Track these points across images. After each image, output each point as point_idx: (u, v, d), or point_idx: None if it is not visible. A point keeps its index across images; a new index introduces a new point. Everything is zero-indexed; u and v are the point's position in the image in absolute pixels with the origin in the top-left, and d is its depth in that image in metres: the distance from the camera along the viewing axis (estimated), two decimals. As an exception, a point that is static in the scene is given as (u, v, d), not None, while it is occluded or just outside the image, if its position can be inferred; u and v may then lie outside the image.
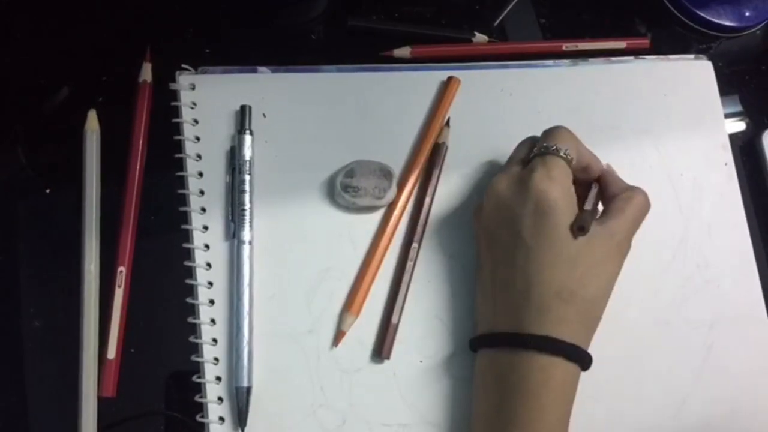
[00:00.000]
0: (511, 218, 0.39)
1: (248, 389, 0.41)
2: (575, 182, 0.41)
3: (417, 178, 0.46)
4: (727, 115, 0.53)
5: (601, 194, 0.43)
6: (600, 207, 0.43)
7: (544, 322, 0.37)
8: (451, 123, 0.48)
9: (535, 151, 0.41)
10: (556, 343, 0.37)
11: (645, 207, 0.42)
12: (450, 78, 0.48)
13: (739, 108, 0.55)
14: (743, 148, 0.53)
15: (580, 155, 0.41)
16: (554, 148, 0.40)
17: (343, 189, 0.44)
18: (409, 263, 0.44)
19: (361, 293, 0.43)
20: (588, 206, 0.41)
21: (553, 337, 0.37)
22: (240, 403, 0.40)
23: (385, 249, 0.44)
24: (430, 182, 0.46)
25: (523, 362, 0.37)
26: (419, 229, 0.45)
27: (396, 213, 0.45)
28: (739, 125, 0.54)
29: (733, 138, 0.53)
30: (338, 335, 0.43)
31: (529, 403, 0.37)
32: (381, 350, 0.43)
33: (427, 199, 0.45)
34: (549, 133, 0.42)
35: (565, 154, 0.40)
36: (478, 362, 0.41)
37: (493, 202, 0.41)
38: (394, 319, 0.43)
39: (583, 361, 0.38)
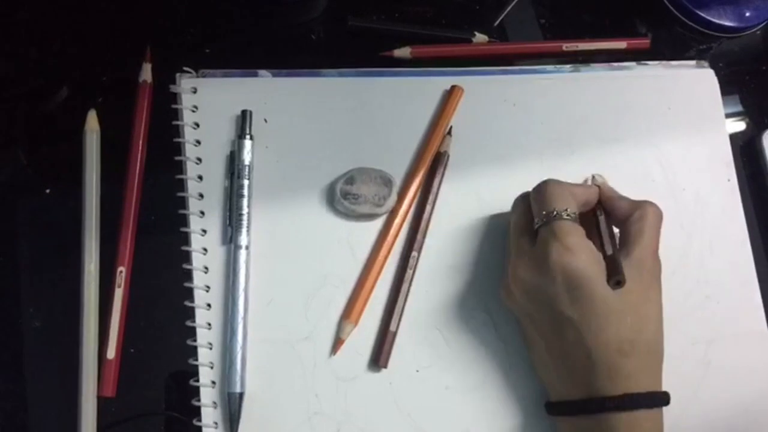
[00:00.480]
0: (547, 300, 0.39)
1: (240, 395, 0.41)
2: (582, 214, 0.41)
3: (418, 187, 0.46)
4: (727, 116, 0.53)
5: (610, 219, 0.43)
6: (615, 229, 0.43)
7: (615, 382, 0.38)
8: (454, 129, 0.48)
9: (537, 222, 0.40)
10: (633, 398, 0.37)
11: (659, 219, 0.41)
12: (453, 87, 0.48)
13: (739, 108, 0.55)
14: (743, 148, 0.53)
15: (577, 200, 0.41)
16: (555, 213, 0.39)
17: (343, 196, 0.44)
18: (408, 272, 0.44)
19: (360, 302, 0.43)
20: (609, 250, 0.40)
21: (629, 393, 0.37)
22: (232, 408, 0.40)
23: (385, 258, 0.44)
24: (431, 191, 0.46)
25: (608, 425, 0.37)
26: (419, 237, 0.45)
27: (396, 221, 0.45)
28: (739, 125, 0.54)
29: (733, 138, 0.52)
30: (337, 343, 0.43)
31: None
32: (378, 359, 0.43)
33: (428, 208, 0.45)
34: (541, 195, 0.41)
35: (568, 215, 0.39)
36: (559, 427, 0.41)
37: (521, 290, 0.41)
38: (392, 328, 0.43)
39: (663, 402, 0.39)
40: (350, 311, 0.43)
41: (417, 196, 0.46)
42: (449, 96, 0.48)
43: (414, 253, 0.44)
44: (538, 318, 0.40)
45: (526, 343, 0.43)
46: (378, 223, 0.45)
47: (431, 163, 0.46)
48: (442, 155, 0.46)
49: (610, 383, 0.38)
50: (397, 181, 0.46)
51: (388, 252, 0.45)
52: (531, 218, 0.41)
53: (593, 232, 0.42)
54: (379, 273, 0.44)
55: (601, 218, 0.42)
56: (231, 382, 0.41)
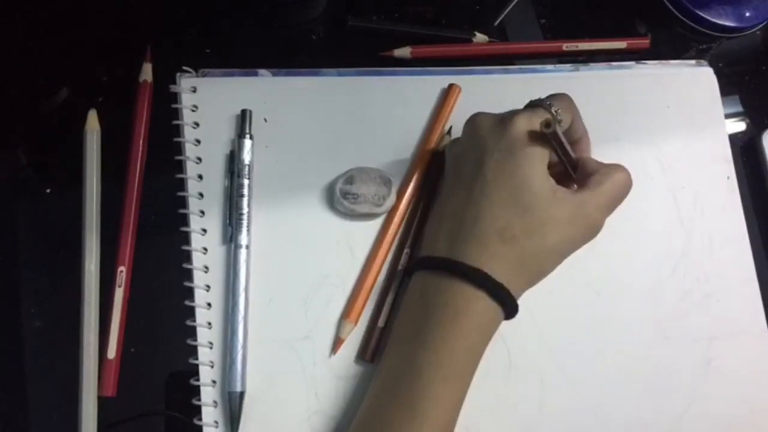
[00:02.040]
0: (481, 149, 0.39)
1: (241, 394, 0.41)
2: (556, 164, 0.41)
3: (416, 187, 0.46)
4: (727, 116, 0.53)
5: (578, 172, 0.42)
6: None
7: (479, 255, 0.38)
8: (452, 130, 0.48)
9: (529, 102, 0.41)
10: (483, 277, 0.37)
11: (625, 184, 0.41)
12: (451, 85, 0.48)
13: (739, 108, 0.55)
14: (743, 148, 0.53)
15: (574, 126, 0.42)
16: (548, 103, 0.40)
17: (343, 196, 0.44)
18: (400, 269, 0.44)
19: (359, 301, 0.43)
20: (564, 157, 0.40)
21: (482, 271, 0.37)
22: (232, 407, 0.40)
23: (384, 257, 0.44)
24: (425, 189, 0.46)
25: (449, 288, 0.37)
26: (413, 233, 0.45)
27: (395, 221, 0.45)
28: (739, 125, 0.54)
29: (733, 138, 0.53)
30: (337, 343, 0.43)
31: (445, 327, 0.37)
32: (365, 353, 0.42)
33: (421, 205, 0.45)
34: (553, 94, 0.42)
35: (555, 111, 0.39)
36: (411, 284, 0.41)
37: (469, 130, 0.41)
38: (380, 323, 0.43)
39: (506, 304, 0.38)
40: (350, 311, 0.43)
41: (416, 195, 0.46)
42: (447, 95, 0.48)
43: (406, 250, 0.44)
44: (463, 165, 0.40)
45: (439, 195, 0.43)
46: (377, 223, 0.45)
47: (430, 162, 0.46)
48: (441, 154, 0.46)
49: (474, 254, 0.37)
50: (397, 181, 0.46)
51: (387, 251, 0.44)
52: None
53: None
54: (378, 272, 0.44)
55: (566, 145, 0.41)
56: (232, 381, 0.41)
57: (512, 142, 0.38)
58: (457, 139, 0.43)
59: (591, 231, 0.40)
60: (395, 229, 0.45)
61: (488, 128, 0.40)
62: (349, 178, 0.45)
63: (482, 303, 0.37)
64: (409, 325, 0.39)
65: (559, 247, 0.39)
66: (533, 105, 0.41)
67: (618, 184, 0.40)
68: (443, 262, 0.39)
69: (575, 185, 0.42)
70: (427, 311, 0.38)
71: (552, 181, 0.39)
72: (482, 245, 0.38)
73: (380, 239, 0.45)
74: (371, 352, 0.43)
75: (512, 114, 0.39)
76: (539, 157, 0.38)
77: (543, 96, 0.41)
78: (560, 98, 0.41)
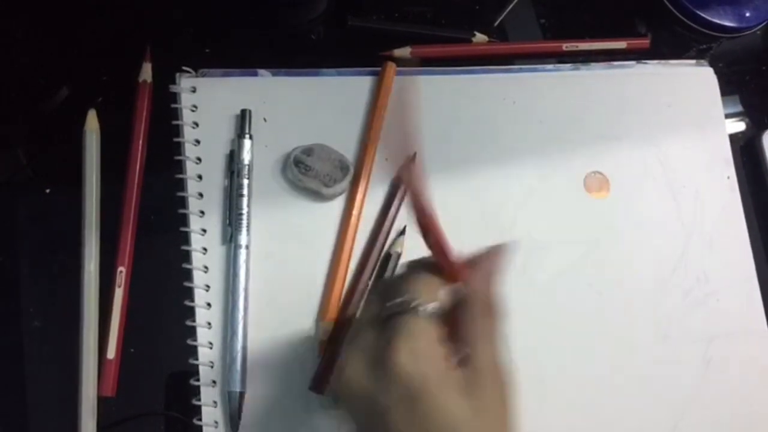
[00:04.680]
0: (376, 413, 0.31)
1: (241, 394, 0.41)
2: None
3: (365, 188, 0.45)
4: (727, 116, 0.53)
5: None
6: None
7: None
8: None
9: (387, 307, 0.32)
10: None
11: (487, 312, 0.33)
12: (386, 63, 0.48)
13: (739, 108, 0.55)
14: (743, 148, 0.53)
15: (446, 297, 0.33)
16: (412, 304, 0.32)
17: (295, 163, 0.44)
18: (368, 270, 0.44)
19: (333, 300, 0.43)
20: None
21: None
22: (232, 407, 0.40)
23: (349, 254, 0.44)
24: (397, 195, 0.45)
25: None
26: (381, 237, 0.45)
27: (354, 212, 0.45)
28: (739, 125, 0.54)
29: (733, 138, 0.53)
30: (320, 346, 0.42)
31: None
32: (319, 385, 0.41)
33: (392, 211, 0.45)
34: (402, 279, 0.33)
35: (425, 309, 0.32)
36: None
37: (346, 394, 0.32)
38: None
39: None
40: (325, 312, 0.43)
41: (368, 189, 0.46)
42: (382, 73, 0.48)
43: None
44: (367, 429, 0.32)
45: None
46: (369, 222, 0.45)
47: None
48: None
49: None
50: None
51: (351, 248, 0.44)
52: (382, 308, 0.33)
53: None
54: (346, 270, 0.44)
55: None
56: (231, 381, 0.41)
57: (407, 389, 0.30)
58: (339, 380, 0.33)
59: (506, 376, 0.34)
60: (356, 221, 0.45)
61: (369, 383, 0.31)
62: (308, 149, 0.44)
63: None
64: None
65: (507, 412, 0.33)
66: (395, 313, 0.32)
67: (483, 325, 0.33)
68: None
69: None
70: None
71: (456, 392, 0.31)
72: None
73: (342, 238, 0.44)
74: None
75: (386, 351, 0.31)
76: (442, 380, 0.31)
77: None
78: (413, 281, 0.33)
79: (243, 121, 0.45)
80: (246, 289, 0.42)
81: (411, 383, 0.30)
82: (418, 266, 0.34)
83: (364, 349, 0.32)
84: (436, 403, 0.30)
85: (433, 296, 0.32)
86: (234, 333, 0.41)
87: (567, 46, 0.53)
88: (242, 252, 0.43)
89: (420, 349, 0.31)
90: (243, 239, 0.43)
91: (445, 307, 0.33)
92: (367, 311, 0.35)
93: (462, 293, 0.33)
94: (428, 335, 0.32)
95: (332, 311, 0.43)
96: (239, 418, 0.40)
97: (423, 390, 0.30)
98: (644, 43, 0.54)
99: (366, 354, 0.32)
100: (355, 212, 0.45)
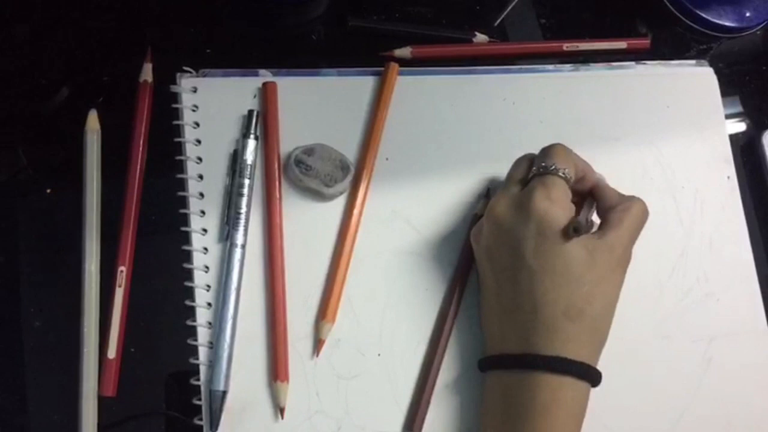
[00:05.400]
0: (513, 240, 0.39)
1: (224, 393, 0.40)
2: (572, 193, 0.41)
3: (366, 188, 0.45)
4: (727, 116, 0.53)
5: (596, 206, 0.43)
6: (596, 218, 0.43)
7: (553, 341, 0.37)
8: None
9: (534, 171, 0.41)
10: (565, 363, 0.37)
11: (643, 216, 0.41)
12: (389, 64, 0.48)
13: (739, 108, 0.55)
14: (743, 148, 0.53)
15: (577, 169, 0.41)
16: (553, 167, 0.40)
17: (296, 163, 0.44)
18: None
19: (333, 300, 0.43)
20: (582, 216, 0.41)
21: (563, 357, 0.37)
22: (213, 406, 0.40)
23: (349, 254, 0.44)
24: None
25: (533, 383, 0.37)
26: None
27: (355, 212, 0.45)
28: (739, 126, 0.54)
29: (733, 138, 0.53)
30: (318, 344, 0.43)
31: (539, 422, 0.36)
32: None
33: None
34: (546, 151, 0.41)
35: (563, 173, 0.40)
36: (487, 383, 0.41)
37: (492, 224, 0.40)
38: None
39: (593, 378, 0.38)
40: (325, 311, 0.43)
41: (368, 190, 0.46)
42: (385, 74, 0.47)
43: None
44: (499, 259, 0.40)
45: (479, 289, 0.43)
46: (376, 222, 0.45)
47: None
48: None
49: (548, 342, 0.37)
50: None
51: (352, 247, 0.44)
52: (528, 172, 0.41)
53: (578, 211, 0.42)
54: (346, 270, 0.44)
55: (589, 201, 0.43)
56: (215, 380, 0.40)
57: (541, 224, 0.38)
58: (479, 230, 0.42)
59: (626, 268, 0.41)
60: (357, 220, 0.45)
61: (511, 217, 0.39)
62: (309, 149, 0.44)
63: (570, 388, 0.37)
64: (499, 425, 0.38)
65: (613, 299, 0.40)
66: (539, 173, 0.40)
67: (637, 218, 0.41)
68: (519, 359, 0.38)
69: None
70: (516, 410, 0.37)
71: (582, 241, 0.39)
72: (552, 331, 0.37)
73: (343, 236, 0.44)
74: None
75: (528, 194, 0.39)
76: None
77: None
78: (557, 153, 0.41)
79: (249, 121, 0.45)
80: (238, 288, 0.42)
81: (544, 220, 0.38)
82: (556, 144, 0.41)
83: (510, 196, 0.40)
84: (562, 243, 0.38)
85: (569, 165, 0.40)
86: (222, 331, 0.41)
87: (567, 46, 0.53)
88: (237, 251, 0.42)
89: (556, 197, 0.39)
90: (239, 238, 0.43)
91: (578, 177, 0.41)
92: (516, 173, 0.42)
93: (587, 172, 0.42)
94: (564, 190, 0.39)
95: (332, 311, 0.43)
96: (220, 417, 0.40)
97: (554, 227, 0.38)
98: (645, 43, 0.54)
99: (511, 199, 0.40)
100: (355, 212, 0.45)
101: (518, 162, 0.43)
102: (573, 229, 0.38)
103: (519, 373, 0.38)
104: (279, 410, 0.41)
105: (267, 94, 0.46)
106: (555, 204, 0.38)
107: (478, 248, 0.42)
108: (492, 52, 0.52)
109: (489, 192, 0.47)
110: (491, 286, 0.41)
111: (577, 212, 0.42)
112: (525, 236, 0.38)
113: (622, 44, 0.53)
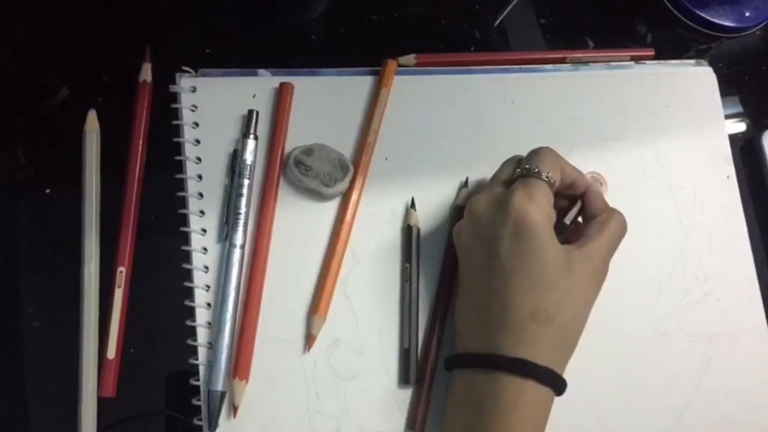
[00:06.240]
0: (489, 239, 0.39)
1: (223, 393, 0.40)
2: (561, 196, 0.41)
3: (360, 186, 0.45)
4: (727, 116, 0.53)
5: (583, 211, 0.43)
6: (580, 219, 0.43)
7: (518, 344, 0.37)
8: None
9: (518, 172, 0.41)
10: (528, 366, 0.37)
11: (621, 230, 0.41)
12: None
13: (739, 108, 0.55)
14: (743, 148, 0.53)
15: (564, 174, 0.41)
16: (536, 170, 0.40)
17: (295, 164, 0.44)
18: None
19: (325, 295, 0.43)
20: (567, 220, 0.41)
21: (526, 360, 0.37)
22: (213, 406, 0.40)
23: (343, 250, 0.44)
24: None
25: (496, 383, 0.37)
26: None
27: (350, 210, 0.45)
28: (739, 126, 0.54)
29: (733, 138, 0.53)
30: (309, 339, 0.43)
31: (498, 423, 0.36)
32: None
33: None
34: (532, 154, 0.41)
35: (547, 177, 0.39)
36: (451, 381, 0.40)
37: (471, 221, 0.41)
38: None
39: (557, 384, 0.38)
40: (317, 306, 0.43)
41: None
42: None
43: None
44: (474, 256, 0.40)
45: (458, 287, 0.43)
46: (374, 222, 0.45)
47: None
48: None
49: (513, 344, 0.37)
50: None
51: (346, 243, 0.44)
52: (514, 173, 0.41)
53: (563, 214, 0.42)
54: (339, 266, 0.44)
55: (577, 206, 0.43)
56: (214, 381, 0.40)
57: (518, 225, 0.38)
58: (460, 226, 0.42)
59: (601, 281, 0.41)
60: (351, 218, 0.45)
61: (490, 215, 0.39)
62: (308, 149, 0.44)
63: (531, 391, 0.37)
64: (461, 425, 0.38)
65: (585, 309, 0.40)
66: (523, 175, 0.40)
67: (614, 233, 0.41)
68: (483, 359, 0.38)
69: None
70: (477, 411, 0.37)
71: (560, 246, 0.39)
72: (518, 333, 0.37)
73: (337, 231, 0.44)
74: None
75: (509, 194, 0.39)
76: (547, 229, 0.38)
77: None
78: (543, 156, 0.41)
79: (249, 121, 0.45)
80: (237, 289, 0.42)
81: (523, 221, 0.38)
82: (543, 148, 0.41)
83: (492, 195, 0.40)
84: (540, 242, 0.38)
85: (554, 170, 0.40)
86: (221, 331, 0.41)
87: (570, 58, 0.52)
88: (236, 251, 0.42)
89: (536, 199, 0.38)
90: (238, 238, 0.43)
91: (560, 183, 0.41)
92: (501, 173, 0.43)
93: (576, 179, 0.42)
94: (545, 193, 0.39)
95: (324, 306, 0.43)
96: (218, 418, 0.40)
97: (531, 229, 0.38)
98: (649, 53, 0.53)
99: (492, 198, 0.40)
100: (350, 209, 0.45)
101: (506, 163, 0.43)
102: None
103: (483, 373, 0.38)
104: (233, 409, 0.41)
105: (283, 94, 0.46)
106: (535, 206, 0.38)
107: (457, 244, 0.42)
108: (496, 60, 0.51)
109: (467, 181, 0.47)
110: (465, 285, 0.41)
111: (565, 214, 0.42)
112: (501, 235, 0.38)
113: (625, 56, 0.53)
